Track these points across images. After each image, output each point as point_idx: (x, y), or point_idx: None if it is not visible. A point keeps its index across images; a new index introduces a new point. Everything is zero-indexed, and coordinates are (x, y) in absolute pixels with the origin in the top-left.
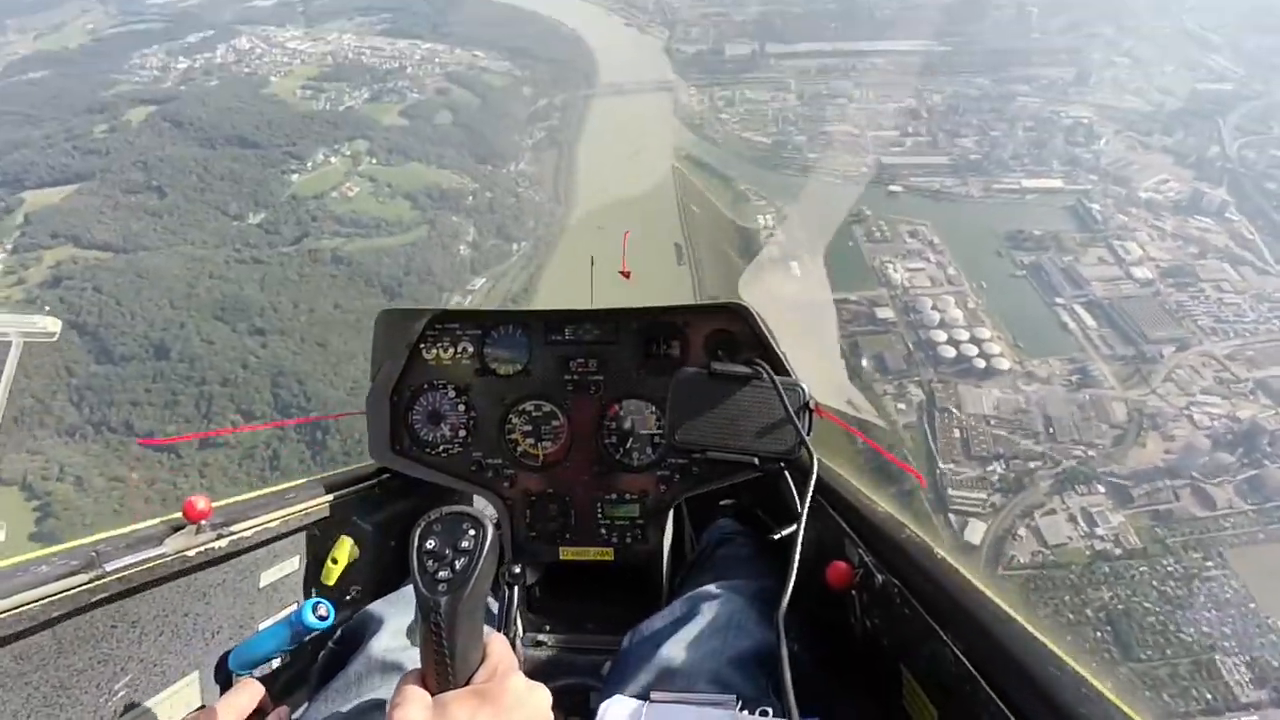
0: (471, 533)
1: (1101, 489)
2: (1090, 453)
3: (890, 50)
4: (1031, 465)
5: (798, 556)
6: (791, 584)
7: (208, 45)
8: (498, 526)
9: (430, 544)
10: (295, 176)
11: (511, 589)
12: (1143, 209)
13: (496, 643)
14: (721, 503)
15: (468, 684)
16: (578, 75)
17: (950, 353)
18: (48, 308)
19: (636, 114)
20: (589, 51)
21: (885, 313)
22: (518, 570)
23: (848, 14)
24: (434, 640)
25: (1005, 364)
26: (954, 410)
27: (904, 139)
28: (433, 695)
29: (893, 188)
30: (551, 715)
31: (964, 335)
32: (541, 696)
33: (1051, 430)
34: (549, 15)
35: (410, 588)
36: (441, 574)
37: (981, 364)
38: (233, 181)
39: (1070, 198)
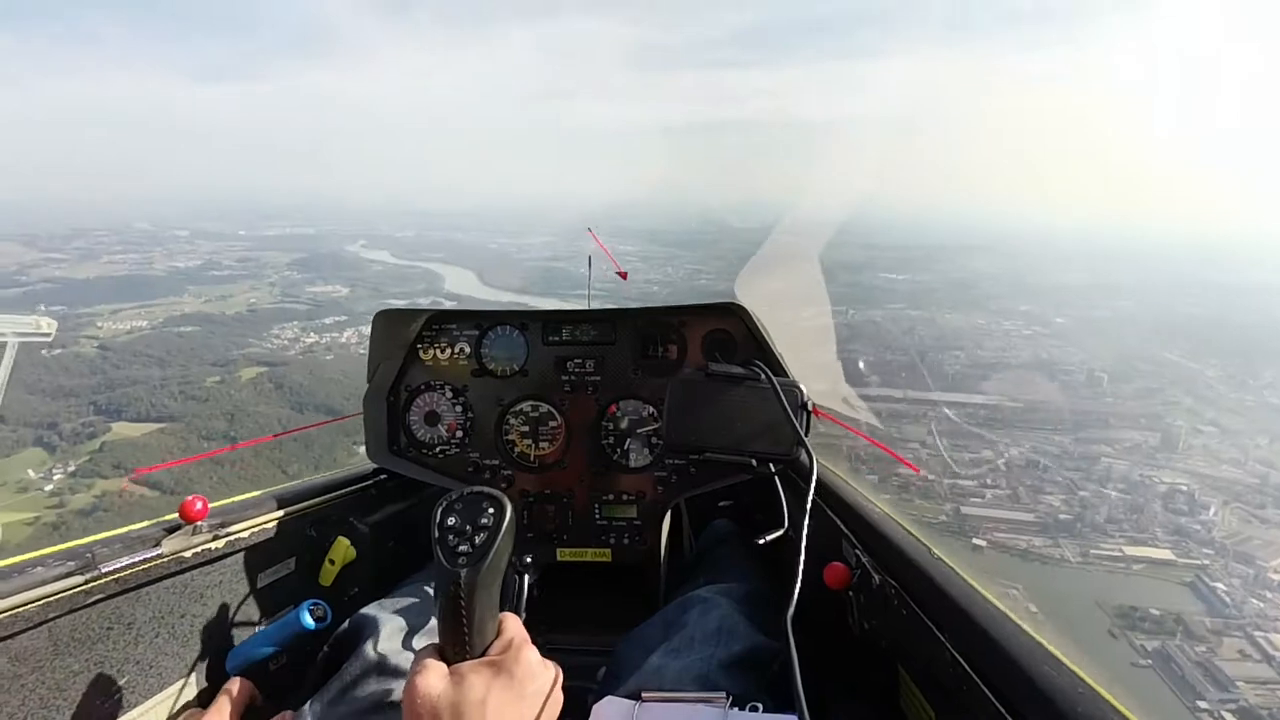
0: (491, 510)
1: None
2: None
3: (961, 402)
4: None
5: (802, 558)
6: (798, 586)
7: (339, 328)
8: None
9: (451, 520)
10: (362, 448)
11: (521, 578)
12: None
13: (511, 620)
14: (720, 504)
15: (484, 655)
16: None
17: None
18: (42, 306)
19: None
20: None
21: None
22: (528, 560)
23: (915, 365)
24: (452, 612)
25: None
26: None
27: (983, 490)
28: (450, 666)
29: (976, 541)
30: (561, 694)
31: None
32: (554, 673)
33: None
34: None
35: (405, 592)
36: (462, 548)
37: None
38: (304, 444)
39: (1186, 573)
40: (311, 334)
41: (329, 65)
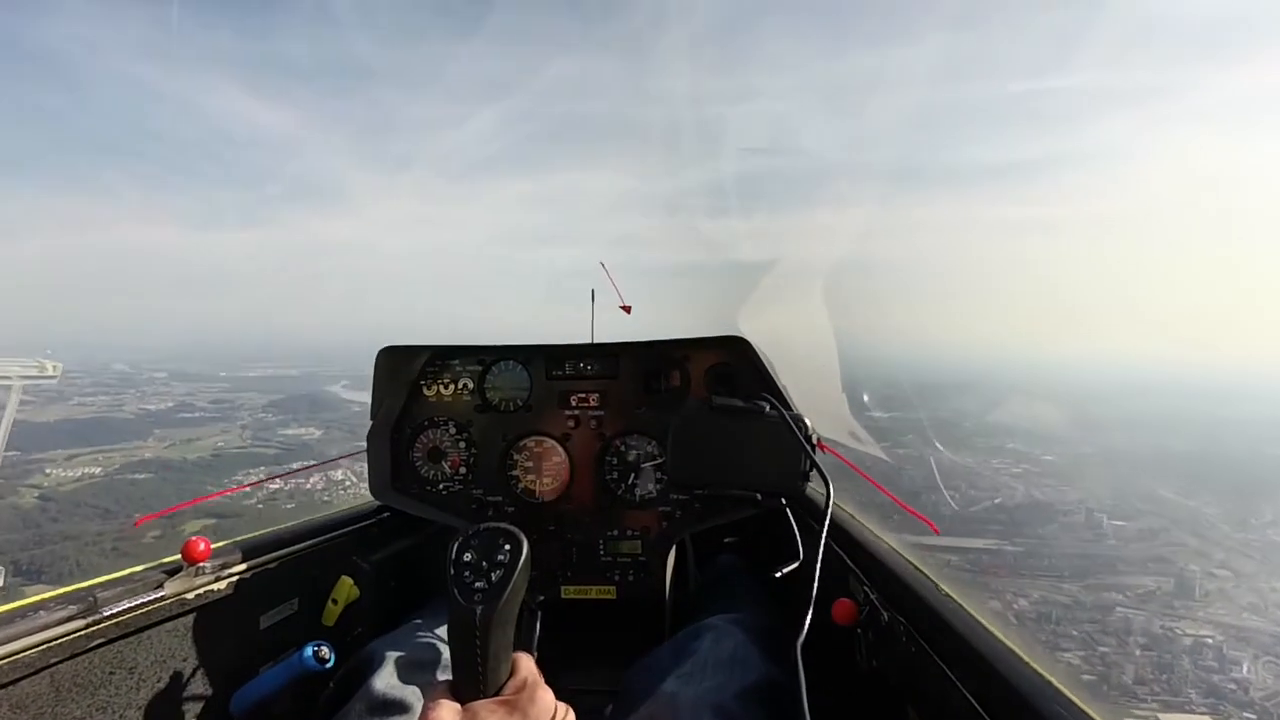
0: (508, 547)
1: None
2: None
3: (957, 547)
4: None
5: (816, 586)
6: (810, 615)
7: (308, 473)
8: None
9: (467, 556)
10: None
11: (534, 616)
12: None
13: (524, 659)
14: (725, 540)
15: (497, 695)
16: None
17: None
18: (49, 350)
19: None
20: None
21: None
22: (541, 599)
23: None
24: (467, 650)
25: None
26: None
27: None
28: (463, 704)
29: None
30: None
31: None
32: (568, 715)
33: None
34: None
35: (408, 629)
36: (478, 585)
37: None
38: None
39: None
40: (277, 480)
41: (327, 214)
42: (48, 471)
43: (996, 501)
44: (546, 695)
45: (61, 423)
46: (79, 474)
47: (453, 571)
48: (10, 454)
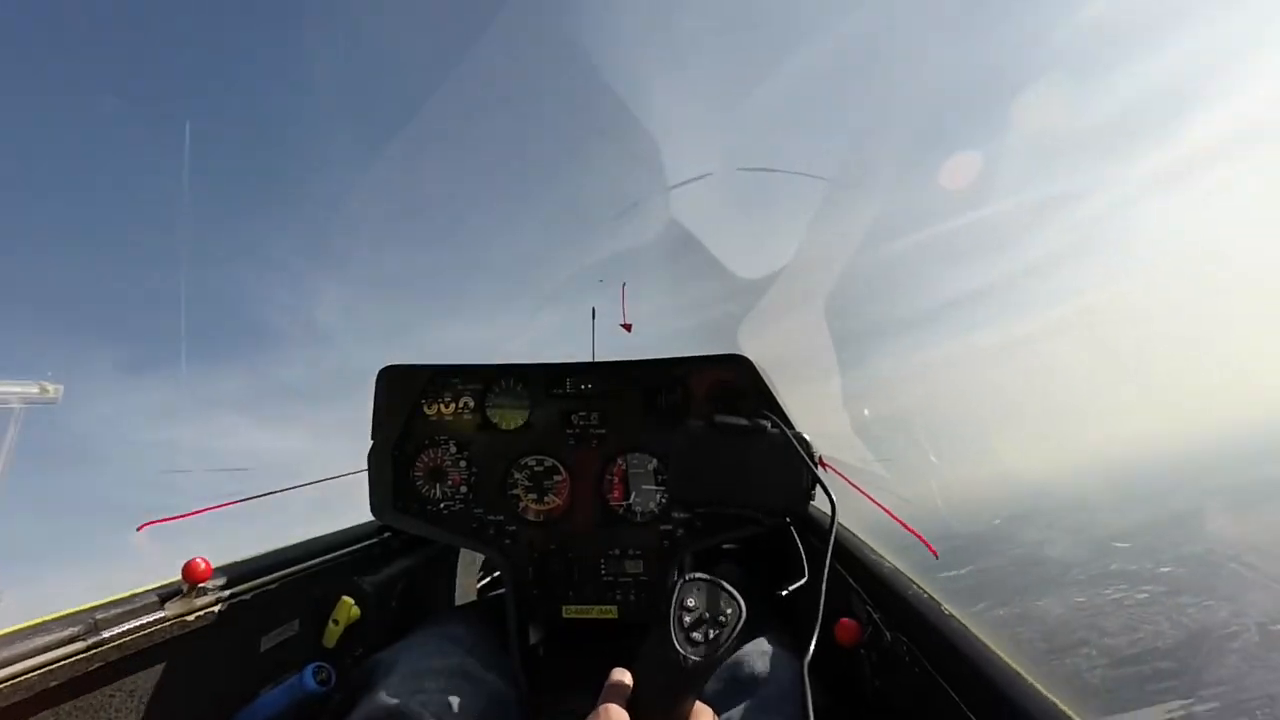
0: (729, 610)
1: None
2: None
3: None
4: None
5: (823, 603)
6: (817, 632)
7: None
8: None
9: (690, 602)
10: None
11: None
12: None
13: (705, 713)
14: (724, 547)
15: None
16: None
17: None
18: (50, 372)
19: None
20: None
21: None
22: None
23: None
24: (664, 690)
25: None
26: None
27: None
28: None
29: None
30: None
31: None
32: None
33: None
34: None
35: (416, 638)
36: (695, 634)
37: None
38: None
39: None
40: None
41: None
42: None
43: (1150, 645)
44: None
45: None
46: None
47: (676, 610)
48: None
